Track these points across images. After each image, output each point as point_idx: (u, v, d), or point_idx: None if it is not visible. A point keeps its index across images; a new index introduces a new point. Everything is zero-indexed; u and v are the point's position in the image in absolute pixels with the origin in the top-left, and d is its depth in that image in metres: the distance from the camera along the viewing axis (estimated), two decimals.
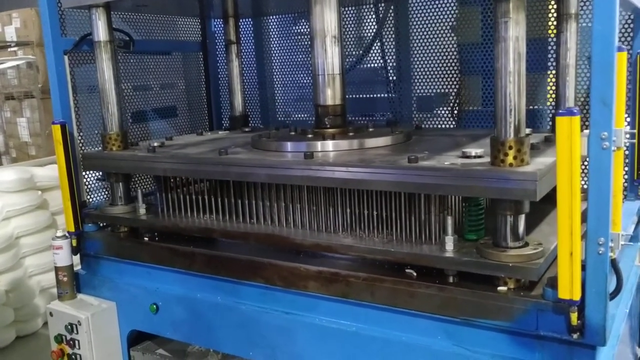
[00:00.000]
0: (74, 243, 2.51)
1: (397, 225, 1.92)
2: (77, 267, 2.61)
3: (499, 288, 1.68)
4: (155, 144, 2.47)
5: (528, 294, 1.65)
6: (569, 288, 1.50)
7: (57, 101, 2.50)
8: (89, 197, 2.67)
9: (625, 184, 2.35)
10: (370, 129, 2.46)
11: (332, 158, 2.01)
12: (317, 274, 1.95)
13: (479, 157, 1.78)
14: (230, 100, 3.21)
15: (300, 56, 3.26)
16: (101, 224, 2.65)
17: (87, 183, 2.66)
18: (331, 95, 2.32)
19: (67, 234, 2.52)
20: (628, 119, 2.27)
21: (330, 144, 2.12)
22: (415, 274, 1.83)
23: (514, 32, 1.58)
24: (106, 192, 2.72)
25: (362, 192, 1.97)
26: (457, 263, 1.73)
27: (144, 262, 2.40)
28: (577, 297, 1.50)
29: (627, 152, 2.30)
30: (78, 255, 2.58)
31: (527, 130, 1.90)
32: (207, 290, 2.22)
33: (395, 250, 1.83)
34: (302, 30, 3.24)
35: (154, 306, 2.34)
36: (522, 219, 1.70)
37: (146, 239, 2.42)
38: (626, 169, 2.33)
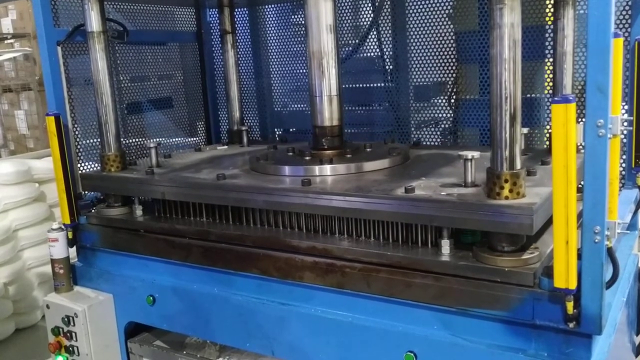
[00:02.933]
0: (70, 235, 2.51)
1: (393, 229, 1.91)
2: (74, 260, 2.60)
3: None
4: (154, 162, 2.49)
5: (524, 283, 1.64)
6: (564, 277, 1.49)
7: (50, 92, 2.48)
8: (85, 192, 2.65)
9: (623, 172, 2.34)
10: (368, 149, 2.45)
11: (330, 184, 2.02)
12: (313, 264, 1.94)
13: (475, 185, 1.79)
14: (226, 90, 3.19)
15: (297, 46, 3.23)
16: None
17: (82, 174, 2.64)
18: (329, 116, 2.33)
19: (62, 226, 2.51)
20: (626, 107, 2.26)
21: (327, 169, 2.14)
22: None
23: (509, 19, 1.56)
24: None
25: (360, 219, 1.96)
26: (453, 267, 1.72)
27: (140, 254, 2.39)
28: (573, 286, 1.49)
29: (624, 140, 2.28)
30: (74, 247, 2.57)
31: (525, 130, 1.89)
32: (204, 281, 2.22)
33: (391, 254, 1.82)
34: (298, 20, 3.22)
35: (151, 298, 2.33)
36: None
37: (142, 231, 2.41)
38: (624, 157, 2.32)
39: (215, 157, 2.77)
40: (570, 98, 1.42)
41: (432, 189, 1.83)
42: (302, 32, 3.16)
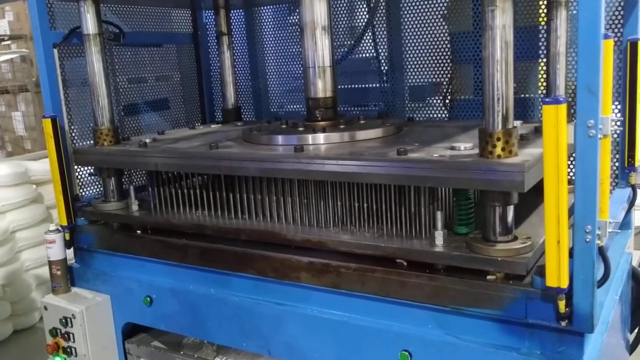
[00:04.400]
0: (67, 237, 2.52)
1: (388, 220, 1.92)
2: (71, 261, 2.61)
3: (488, 277, 1.69)
4: (147, 140, 2.47)
5: (517, 282, 1.66)
6: (556, 276, 1.50)
7: (47, 95, 2.49)
8: (81, 190, 2.67)
9: (616, 172, 2.36)
10: (362, 121, 2.46)
11: (323, 151, 2.01)
12: (309, 264, 1.96)
13: (468, 149, 1.78)
14: (222, 92, 3.21)
15: (293, 47, 3.24)
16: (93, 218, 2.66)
17: (79, 176, 2.66)
18: (322, 87, 2.32)
19: (60, 228, 2.52)
20: (619, 106, 2.27)
21: (321, 137, 2.12)
22: (405, 263, 1.84)
23: (501, 21, 1.57)
24: (99, 185, 2.71)
25: (353, 184, 1.98)
26: (447, 257, 1.74)
27: (137, 255, 2.40)
28: (564, 285, 1.50)
29: (618, 140, 2.30)
30: (72, 249, 2.58)
31: (518, 123, 1.91)
32: (200, 282, 2.23)
33: (385, 245, 1.84)
34: (294, 20, 3.23)
35: (148, 299, 2.34)
36: (510, 213, 1.70)
37: (139, 232, 2.42)
38: (617, 156, 2.33)
39: (208, 132, 2.78)
40: (561, 99, 1.44)
41: (425, 152, 1.82)
42: (297, 32, 3.17)
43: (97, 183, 2.72)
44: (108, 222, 2.54)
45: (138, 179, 2.91)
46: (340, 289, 1.91)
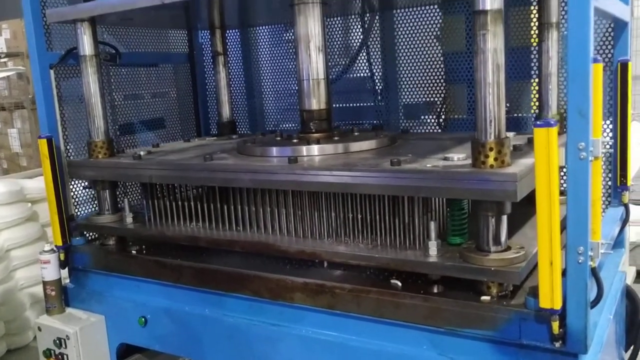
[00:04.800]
0: (62, 257, 2.51)
1: (382, 231, 1.93)
2: (66, 280, 2.61)
3: (482, 298, 1.70)
4: (142, 152, 2.47)
5: (511, 303, 1.67)
6: (549, 297, 1.51)
7: (43, 115, 2.51)
8: (76, 210, 2.67)
9: (609, 190, 2.38)
10: (356, 133, 2.48)
11: (317, 162, 2.02)
12: (303, 285, 1.96)
13: (461, 159, 1.79)
14: (218, 111, 3.22)
15: (289, 63, 3.27)
16: (89, 237, 2.66)
17: (74, 196, 2.67)
18: (316, 100, 2.34)
19: (54, 248, 2.52)
20: (611, 126, 2.30)
21: (315, 149, 2.14)
22: (400, 284, 1.84)
23: (492, 44, 1.60)
24: (94, 204, 2.71)
25: (347, 195, 1.99)
26: (440, 268, 1.75)
27: (132, 275, 2.40)
28: (557, 306, 1.51)
29: (610, 159, 2.32)
30: (66, 269, 2.58)
31: (511, 134, 1.93)
32: (195, 302, 2.23)
33: (379, 256, 1.85)
34: (290, 37, 3.25)
35: (143, 319, 2.34)
36: (504, 223, 1.71)
37: (134, 252, 2.42)
38: (609, 175, 2.35)
39: (203, 144, 2.79)
40: (552, 122, 1.46)
41: (418, 163, 1.83)
42: (292, 50, 3.20)
43: (92, 202, 2.73)
44: (103, 241, 2.54)
45: (133, 192, 2.90)
46: (335, 309, 1.91)
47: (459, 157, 1.80)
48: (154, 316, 2.32)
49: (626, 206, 2.34)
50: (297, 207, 2.08)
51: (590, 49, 1.43)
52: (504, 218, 1.71)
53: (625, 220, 2.32)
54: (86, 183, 2.66)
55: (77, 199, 2.68)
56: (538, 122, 1.47)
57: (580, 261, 1.51)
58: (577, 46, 1.43)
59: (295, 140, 2.32)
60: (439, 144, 2.25)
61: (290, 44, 3.24)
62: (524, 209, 1.79)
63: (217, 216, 2.27)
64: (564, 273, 1.53)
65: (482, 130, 1.64)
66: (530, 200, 1.59)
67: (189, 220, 2.34)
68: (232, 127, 3.21)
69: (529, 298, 1.62)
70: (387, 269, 1.86)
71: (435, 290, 1.79)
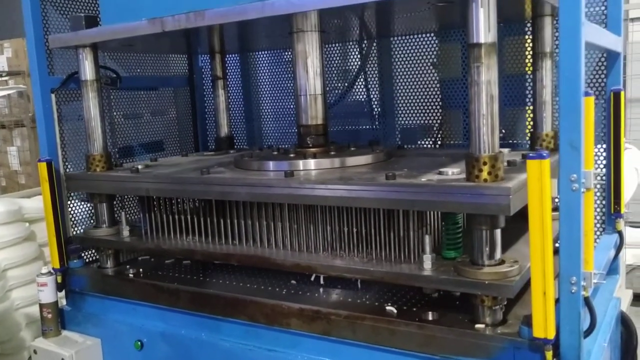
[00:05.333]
0: (59, 279, 2.52)
1: (377, 245, 1.95)
2: (61, 298, 2.61)
3: (477, 326, 1.71)
4: (139, 166, 2.49)
5: (505, 331, 1.68)
6: (543, 327, 1.53)
7: (43, 139, 2.53)
8: (74, 232, 2.68)
9: (603, 217, 2.40)
10: (352, 149, 2.50)
11: (313, 176, 2.04)
12: (299, 311, 1.97)
13: (456, 174, 1.81)
14: (216, 133, 3.25)
15: (287, 84, 3.29)
16: (87, 259, 2.67)
17: (72, 218, 2.68)
18: (313, 115, 2.37)
19: (52, 271, 2.52)
20: (604, 154, 2.33)
21: (311, 163, 2.16)
22: (395, 311, 1.86)
23: (486, 77, 1.63)
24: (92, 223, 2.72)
25: (342, 209, 2.01)
26: (435, 281, 1.76)
27: (129, 298, 2.40)
28: (551, 335, 1.52)
29: (604, 186, 2.35)
30: (63, 291, 2.58)
31: (505, 150, 1.96)
32: (192, 327, 2.23)
33: (374, 269, 1.86)
34: (289, 58, 3.28)
35: (139, 343, 2.34)
36: (497, 237, 1.73)
37: (131, 275, 2.43)
38: (604, 202, 2.38)
39: (200, 159, 2.80)
40: (544, 154, 1.48)
41: (413, 177, 1.85)
42: (292, 70, 3.22)
43: (90, 221, 2.73)
44: (101, 265, 2.55)
45: (130, 207, 2.92)
46: (330, 336, 1.92)
47: (454, 171, 1.82)
48: (150, 340, 2.32)
49: (620, 233, 2.36)
50: (293, 220, 2.10)
51: (582, 83, 1.46)
52: (498, 232, 1.72)
53: (619, 248, 2.34)
54: (84, 196, 2.67)
55: (75, 221, 2.69)
56: (531, 154, 1.49)
57: (573, 291, 1.53)
58: (568, 80, 1.46)
59: (292, 155, 2.34)
60: (434, 159, 2.26)
61: (288, 65, 3.27)
62: (518, 224, 1.81)
63: (213, 230, 2.29)
64: (557, 302, 1.55)
65: (476, 145, 1.66)
66: (523, 216, 1.61)
67: (185, 233, 2.36)
68: (229, 143, 3.23)
69: (522, 327, 1.63)
70: (382, 294, 1.88)
71: (431, 318, 1.80)
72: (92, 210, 2.64)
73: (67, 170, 2.64)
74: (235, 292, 2.16)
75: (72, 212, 2.68)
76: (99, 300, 2.50)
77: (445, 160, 2.23)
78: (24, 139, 8.21)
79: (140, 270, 2.48)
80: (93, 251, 2.70)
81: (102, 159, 2.49)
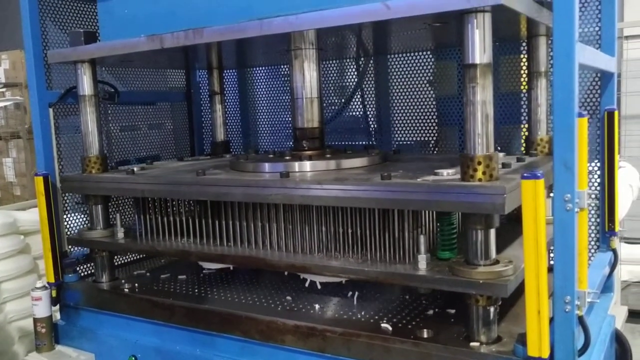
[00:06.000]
0: (54, 294, 2.51)
1: (372, 246, 1.96)
2: (56, 310, 2.60)
3: (472, 344, 1.71)
4: (135, 168, 2.48)
5: (500, 350, 1.69)
6: (537, 345, 1.53)
7: (40, 153, 2.54)
8: (70, 246, 2.68)
9: (597, 235, 2.41)
10: (348, 152, 2.51)
11: (309, 177, 2.05)
12: (295, 328, 1.97)
13: (451, 174, 1.81)
14: (212, 148, 3.26)
15: (284, 95, 3.31)
16: (82, 274, 2.67)
17: (68, 232, 2.68)
18: (309, 117, 2.38)
19: (46, 285, 2.52)
20: (599, 172, 2.35)
21: (307, 165, 2.16)
22: (390, 328, 1.86)
23: (481, 97, 1.65)
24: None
25: (338, 210, 2.02)
26: (430, 280, 1.76)
27: (123, 313, 2.40)
28: (545, 354, 1.53)
29: (598, 204, 2.36)
30: (57, 305, 2.57)
31: (500, 155, 1.97)
32: (186, 342, 2.22)
33: (369, 270, 1.86)
34: (285, 71, 3.29)
35: (133, 358, 2.33)
36: (492, 236, 1.73)
37: (126, 290, 2.43)
38: (598, 220, 2.39)
39: (196, 163, 2.81)
40: (539, 174, 1.50)
41: (408, 178, 1.85)
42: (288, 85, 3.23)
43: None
44: (96, 280, 2.55)
45: (125, 213, 2.91)
46: (325, 353, 1.92)
47: (449, 172, 1.82)
48: (145, 355, 2.31)
49: (614, 251, 2.37)
50: (288, 222, 2.11)
51: (575, 105, 1.48)
52: (492, 232, 1.72)
53: (613, 265, 2.35)
54: (79, 198, 2.67)
55: (70, 234, 2.69)
56: (525, 174, 1.51)
57: (567, 310, 1.54)
58: (562, 101, 1.48)
59: (287, 157, 2.34)
60: (429, 163, 2.27)
61: (285, 78, 3.28)
62: (513, 227, 1.82)
63: (208, 232, 2.29)
64: (551, 321, 1.55)
65: (471, 145, 1.67)
66: (517, 219, 1.62)
67: (180, 235, 2.35)
68: (225, 148, 3.23)
69: (517, 345, 1.63)
70: (377, 310, 1.87)
71: (426, 335, 1.81)
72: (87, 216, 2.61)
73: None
74: (230, 307, 2.16)
75: (67, 226, 2.68)
76: (94, 315, 2.49)
77: (440, 164, 2.24)
78: (19, 150, 8.20)
79: (136, 285, 2.47)
80: (89, 265, 2.70)
81: (98, 160, 2.47)
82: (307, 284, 2.18)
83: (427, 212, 1.97)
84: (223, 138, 3.21)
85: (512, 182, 1.64)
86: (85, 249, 2.72)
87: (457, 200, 1.66)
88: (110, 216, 2.58)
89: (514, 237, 2.01)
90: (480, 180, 1.66)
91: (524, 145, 2.47)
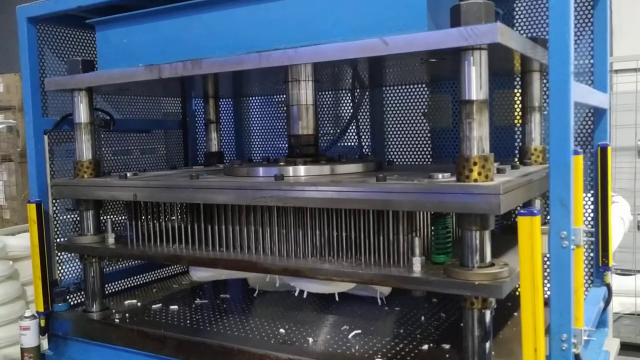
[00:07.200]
0: (42, 323, 2.47)
1: (367, 249, 1.94)
2: (44, 347, 2.56)
3: None
4: (128, 174, 2.46)
5: None
6: None
7: (34, 180, 2.52)
8: (60, 274, 2.65)
9: (591, 269, 2.42)
10: (343, 159, 2.50)
11: (303, 180, 2.04)
12: None
13: (446, 177, 1.81)
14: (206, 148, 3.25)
15: (279, 122, 3.32)
16: (72, 302, 2.63)
17: (59, 261, 2.65)
18: (304, 125, 2.38)
19: (35, 314, 2.48)
20: (592, 206, 2.36)
21: (301, 169, 2.15)
22: None
23: (478, 133, 1.66)
24: (79, 270, 2.68)
25: (332, 213, 2.01)
26: (424, 282, 1.74)
27: (114, 344, 2.36)
28: None
29: (592, 239, 2.37)
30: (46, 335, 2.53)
31: (495, 164, 1.95)
32: None
33: (363, 272, 1.85)
34: (280, 99, 3.31)
35: None
36: (487, 238, 1.71)
37: (117, 320, 2.39)
38: (592, 254, 2.40)
39: (190, 170, 2.77)
40: (535, 211, 1.50)
41: (403, 180, 1.84)
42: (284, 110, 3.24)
43: (76, 267, 2.70)
44: (86, 309, 2.51)
45: (117, 220, 2.87)
46: None
47: (444, 175, 1.82)
48: None
49: (608, 286, 2.38)
50: (282, 226, 2.09)
51: (571, 143, 1.50)
52: (487, 233, 1.71)
53: (608, 301, 2.35)
54: (70, 205, 2.63)
55: (60, 261, 2.66)
56: (522, 211, 1.51)
57: (563, 348, 1.53)
58: (558, 139, 1.50)
59: (282, 163, 2.33)
60: (425, 170, 2.24)
61: (281, 105, 3.30)
62: (508, 236, 1.82)
63: (200, 237, 2.26)
64: (547, 359, 1.54)
65: (466, 146, 1.67)
66: (512, 229, 1.60)
67: (172, 242, 2.32)
68: (219, 155, 3.22)
69: None
70: (372, 345, 1.86)
71: None
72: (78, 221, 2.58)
73: (56, 211, 2.62)
74: (222, 339, 2.13)
75: (58, 255, 2.65)
76: (83, 346, 2.45)
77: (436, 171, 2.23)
78: (10, 173, 8.14)
79: (127, 315, 2.44)
80: (79, 294, 2.67)
81: (91, 165, 2.44)
82: (296, 293, 2.15)
83: (421, 215, 1.97)
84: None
85: (508, 182, 1.64)
86: (75, 278, 2.69)
87: (452, 200, 1.65)
88: (102, 225, 2.54)
89: (508, 247, 2.00)
90: (476, 180, 1.65)
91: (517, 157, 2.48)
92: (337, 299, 2.36)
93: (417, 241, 1.81)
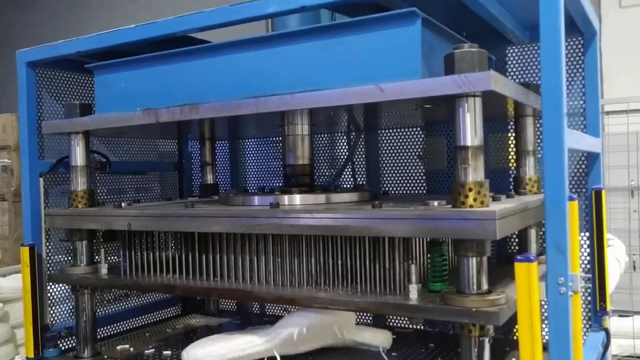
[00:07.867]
0: None
1: (362, 277, 1.93)
2: None
3: None
4: (123, 203, 2.44)
5: None
6: None
7: (28, 223, 2.50)
8: (52, 318, 2.60)
9: (589, 314, 2.40)
10: (338, 190, 2.49)
11: (299, 208, 2.03)
12: None
13: (442, 204, 1.80)
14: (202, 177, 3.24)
15: (275, 162, 3.33)
16: (63, 347, 2.58)
17: (51, 303, 2.61)
18: (299, 154, 2.39)
19: None
20: (588, 250, 2.36)
21: (297, 198, 2.15)
22: None
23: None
24: (71, 317, 2.64)
25: (328, 241, 2.00)
26: (421, 310, 1.72)
27: None
28: None
29: (589, 283, 2.36)
30: None
31: (490, 193, 1.95)
32: None
33: (359, 300, 1.82)
34: (278, 139, 3.33)
35: None
36: (484, 264, 1.70)
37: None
38: (589, 299, 2.38)
39: (185, 201, 2.72)
40: (532, 257, 1.50)
41: (399, 207, 1.84)
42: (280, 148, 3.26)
43: (68, 310, 2.66)
44: (78, 355, 2.46)
45: (110, 251, 2.82)
46: None
47: (439, 202, 1.81)
48: None
49: (607, 331, 2.36)
50: (278, 255, 2.07)
51: (566, 189, 1.51)
52: (484, 260, 1.69)
53: (606, 346, 2.33)
54: (63, 235, 2.60)
55: (52, 304, 2.62)
56: (518, 257, 1.51)
57: None
58: (553, 186, 1.51)
59: (277, 192, 2.31)
60: (420, 199, 2.24)
61: (277, 145, 3.31)
62: (503, 268, 1.81)
63: (195, 267, 2.23)
64: None
65: (461, 173, 1.68)
66: (509, 260, 1.59)
67: (166, 272, 2.29)
68: (214, 187, 3.21)
69: None
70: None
71: None
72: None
73: (49, 254, 2.59)
74: None
75: (50, 297, 2.61)
76: None
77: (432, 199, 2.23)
78: (4, 213, 8.10)
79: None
80: (70, 339, 2.62)
81: (85, 195, 2.42)
82: None
83: (417, 243, 1.96)
84: None
85: (504, 208, 1.64)
86: (67, 323, 2.65)
87: (448, 226, 1.64)
88: (95, 255, 2.51)
89: (504, 277, 1.97)
90: (471, 206, 1.65)
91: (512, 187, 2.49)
92: None
93: (414, 269, 1.80)
